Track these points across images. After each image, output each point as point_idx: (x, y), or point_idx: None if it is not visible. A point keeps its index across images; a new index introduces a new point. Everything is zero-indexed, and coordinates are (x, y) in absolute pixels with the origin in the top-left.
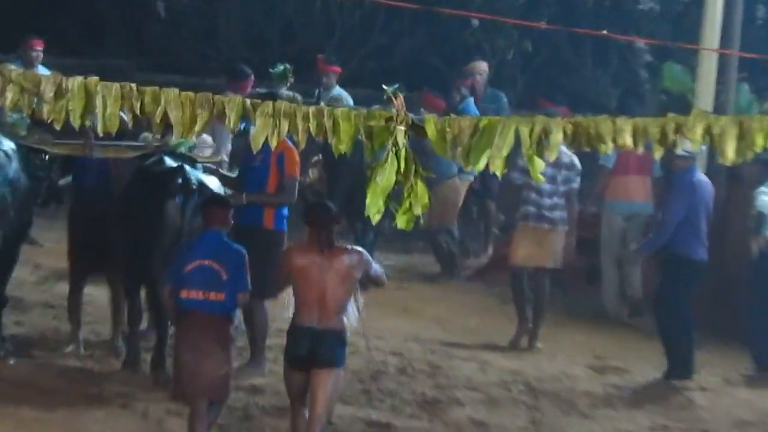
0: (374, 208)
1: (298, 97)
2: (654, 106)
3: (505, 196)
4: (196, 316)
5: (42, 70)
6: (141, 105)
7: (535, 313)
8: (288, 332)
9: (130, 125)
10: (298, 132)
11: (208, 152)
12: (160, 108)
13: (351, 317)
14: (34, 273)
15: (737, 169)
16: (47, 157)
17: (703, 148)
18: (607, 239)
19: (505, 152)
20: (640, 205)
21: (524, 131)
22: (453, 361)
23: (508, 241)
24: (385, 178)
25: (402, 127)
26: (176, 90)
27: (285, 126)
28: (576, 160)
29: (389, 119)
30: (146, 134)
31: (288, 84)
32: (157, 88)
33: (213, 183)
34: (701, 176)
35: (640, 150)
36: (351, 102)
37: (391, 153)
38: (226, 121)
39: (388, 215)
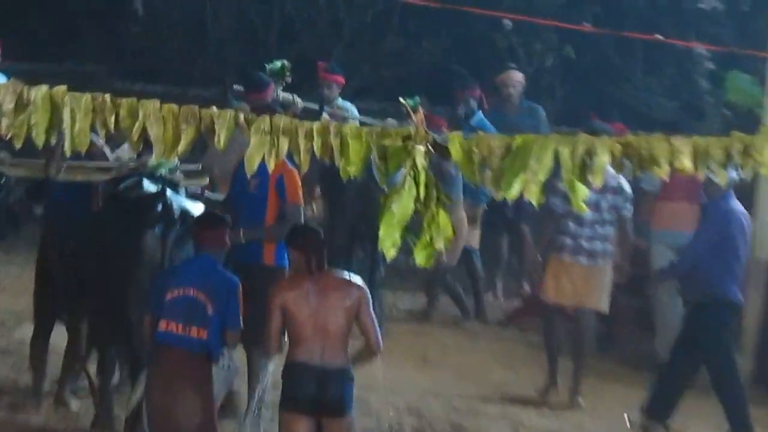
0: (389, 241)
1: (298, 100)
2: (716, 122)
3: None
4: (172, 354)
5: None
6: (116, 119)
7: (576, 362)
8: (284, 373)
9: (102, 144)
10: (300, 152)
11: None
12: (138, 123)
13: None
14: None
15: None
16: (2, 179)
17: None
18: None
19: (542, 177)
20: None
21: (564, 152)
22: (480, 420)
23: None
24: (401, 206)
25: (421, 147)
26: (157, 102)
27: (285, 145)
28: (625, 183)
29: (407, 137)
30: (120, 153)
31: (284, 84)
32: (134, 99)
33: (198, 210)
34: (737, 205)
35: (701, 175)
36: (356, 113)
37: (408, 177)
38: (216, 139)
39: (405, 249)
